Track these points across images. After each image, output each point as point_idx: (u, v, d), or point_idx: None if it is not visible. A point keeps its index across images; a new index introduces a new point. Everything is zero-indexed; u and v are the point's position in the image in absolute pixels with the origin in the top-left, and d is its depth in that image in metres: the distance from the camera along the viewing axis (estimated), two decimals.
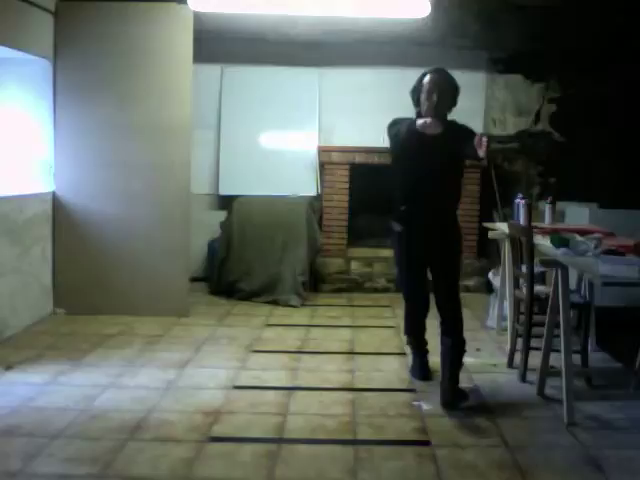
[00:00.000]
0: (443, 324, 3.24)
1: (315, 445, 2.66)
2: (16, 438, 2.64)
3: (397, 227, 3.29)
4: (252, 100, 5.76)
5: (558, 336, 3.06)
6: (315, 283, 5.69)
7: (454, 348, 3.17)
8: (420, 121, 2.99)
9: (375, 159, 5.73)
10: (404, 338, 3.70)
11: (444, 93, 3.07)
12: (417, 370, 3.49)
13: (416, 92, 3.17)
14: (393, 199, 3.31)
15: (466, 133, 3.09)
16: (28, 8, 4.15)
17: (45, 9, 4.34)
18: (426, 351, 3.52)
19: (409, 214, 3.22)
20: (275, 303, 5.15)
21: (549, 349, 3.21)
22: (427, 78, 3.11)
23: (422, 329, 3.49)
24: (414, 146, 3.08)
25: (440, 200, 3.20)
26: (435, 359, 3.40)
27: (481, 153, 2.81)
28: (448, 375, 3.10)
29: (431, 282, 3.32)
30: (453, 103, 3.15)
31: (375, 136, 5.68)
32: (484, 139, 2.78)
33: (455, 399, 3.02)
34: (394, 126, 3.20)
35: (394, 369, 3.64)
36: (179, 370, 3.53)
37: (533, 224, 3.54)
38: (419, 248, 3.25)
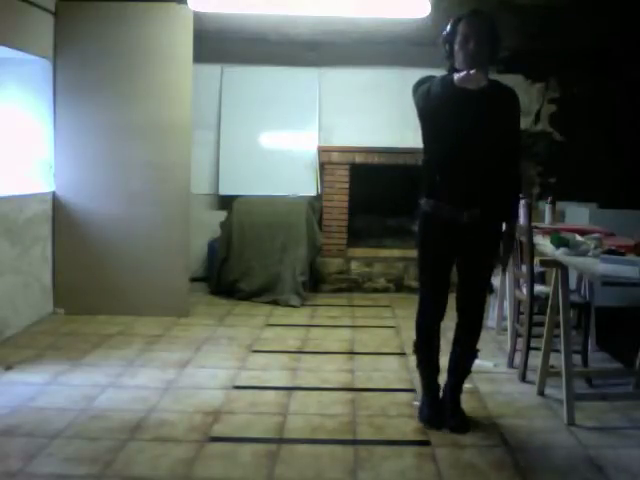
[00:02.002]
0: (459, 327, 2.88)
1: (315, 445, 2.66)
2: (16, 438, 2.64)
3: (427, 205, 2.77)
4: (252, 100, 5.76)
5: (558, 336, 3.06)
6: (315, 283, 5.69)
7: (465, 357, 2.89)
8: (461, 74, 2.45)
9: (375, 159, 5.74)
10: (412, 362, 3.25)
11: (483, 41, 2.56)
12: (425, 409, 2.92)
13: (448, 41, 2.64)
14: (424, 171, 2.79)
15: (512, 110, 2.71)
16: (28, 8, 4.15)
17: (45, 9, 4.34)
18: (436, 384, 2.95)
19: (444, 188, 2.70)
20: (275, 303, 5.15)
21: (549, 349, 3.21)
22: (463, 23, 2.60)
23: (435, 344, 2.91)
24: (451, 104, 2.56)
25: (484, 174, 2.69)
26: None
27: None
28: (452, 388, 2.89)
29: (457, 275, 2.84)
30: (494, 54, 2.63)
31: (375, 136, 5.74)
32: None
33: (455, 428, 2.80)
34: (422, 84, 2.67)
35: (394, 369, 3.64)
36: (179, 370, 3.53)
37: (533, 224, 3.54)
38: (451, 232, 2.72)
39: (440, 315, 2.86)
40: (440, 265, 2.81)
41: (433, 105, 2.61)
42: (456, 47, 2.61)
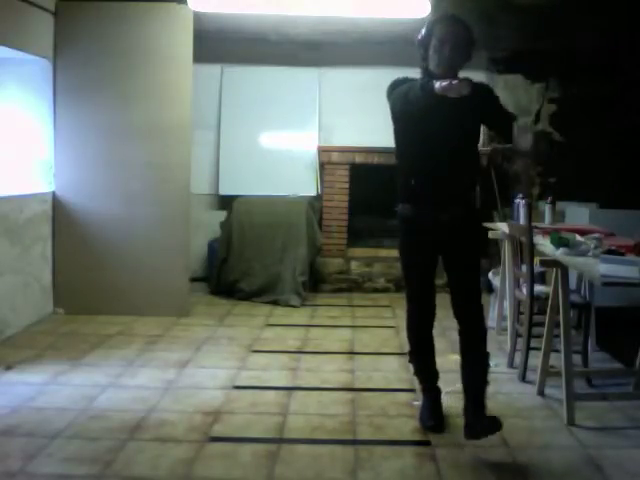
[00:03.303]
0: (462, 334, 2.74)
1: (315, 445, 2.66)
2: (16, 438, 2.64)
3: (405, 210, 2.77)
4: (252, 100, 5.76)
5: (558, 336, 3.06)
6: (315, 283, 5.69)
7: (477, 365, 2.70)
8: (443, 82, 2.37)
9: (375, 159, 5.73)
10: (410, 367, 3.07)
11: (458, 45, 2.56)
12: (425, 414, 2.86)
13: (424, 44, 2.63)
14: (398, 176, 2.79)
15: (490, 100, 2.65)
16: (28, 8, 4.15)
17: (45, 9, 4.34)
18: (436, 388, 2.92)
19: (421, 191, 2.68)
20: (275, 303, 5.15)
21: (549, 349, 3.21)
22: (439, 27, 2.59)
23: (429, 347, 2.89)
24: (431, 110, 2.50)
25: (460, 175, 2.69)
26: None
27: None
28: (473, 400, 2.65)
29: (447, 280, 2.78)
30: (467, 57, 2.63)
31: (375, 136, 5.72)
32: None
33: (486, 429, 2.55)
34: (398, 86, 2.63)
35: (394, 369, 3.64)
36: (179, 370, 3.53)
37: (533, 224, 3.54)
38: (432, 233, 2.70)
39: (430, 318, 2.84)
40: (424, 268, 2.79)
41: (411, 109, 2.58)
42: (431, 51, 2.60)
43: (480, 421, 2.57)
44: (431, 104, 2.48)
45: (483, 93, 2.63)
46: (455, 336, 2.86)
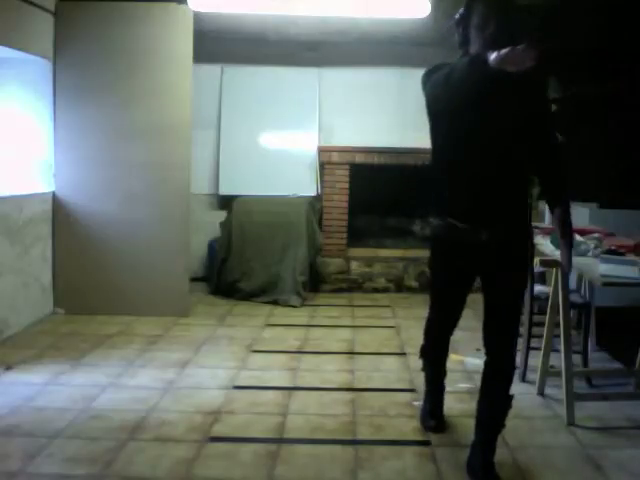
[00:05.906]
0: (488, 366, 2.40)
1: (315, 445, 2.66)
2: (16, 438, 2.64)
3: (438, 225, 2.37)
4: (252, 100, 5.76)
5: (558, 336, 3.06)
6: (315, 283, 5.68)
7: (496, 406, 2.40)
8: (501, 51, 1.86)
9: (375, 159, 5.73)
10: (419, 363, 2.96)
11: (504, 21, 2.13)
12: (426, 415, 2.85)
13: (463, 24, 2.22)
14: (433, 182, 2.36)
15: (542, 94, 2.27)
16: (28, 8, 4.15)
17: (45, 9, 4.34)
18: (441, 387, 2.85)
19: (459, 202, 2.26)
20: (275, 303, 5.15)
21: (549, 349, 3.21)
22: (480, 2, 2.18)
23: (443, 349, 2.76)
24: (478, 95, 2.02)
25: (510, 184, 2.22)
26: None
27: None
28: (483, 441, 2.41)
29: (483, 304, 2.39)
30: (512, 38, 2.06)
31: (375, 136, 5.74)
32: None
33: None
34: (435, 72, 2.18)
35: (394, 369, 3.64)
36: (179, 370, 3.53)
37: (533, 224, 3.54)
38: (469, 257, 2.31)
39: (450, 329, 2.69)
40: (449, 290, 2.53)
41: (454, 94, 2.10)
42: (473, 31, 2.19)
43: (485, 468, 2.37)
44: (481, 85, 2.00)
45: (541, 84, 2.28)
46: (458, 336, 2.87)
